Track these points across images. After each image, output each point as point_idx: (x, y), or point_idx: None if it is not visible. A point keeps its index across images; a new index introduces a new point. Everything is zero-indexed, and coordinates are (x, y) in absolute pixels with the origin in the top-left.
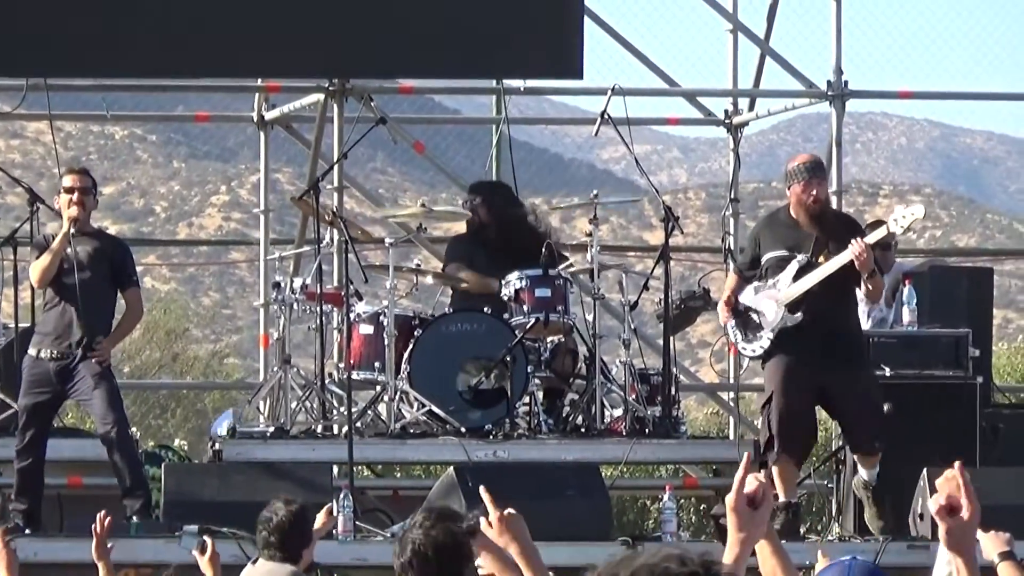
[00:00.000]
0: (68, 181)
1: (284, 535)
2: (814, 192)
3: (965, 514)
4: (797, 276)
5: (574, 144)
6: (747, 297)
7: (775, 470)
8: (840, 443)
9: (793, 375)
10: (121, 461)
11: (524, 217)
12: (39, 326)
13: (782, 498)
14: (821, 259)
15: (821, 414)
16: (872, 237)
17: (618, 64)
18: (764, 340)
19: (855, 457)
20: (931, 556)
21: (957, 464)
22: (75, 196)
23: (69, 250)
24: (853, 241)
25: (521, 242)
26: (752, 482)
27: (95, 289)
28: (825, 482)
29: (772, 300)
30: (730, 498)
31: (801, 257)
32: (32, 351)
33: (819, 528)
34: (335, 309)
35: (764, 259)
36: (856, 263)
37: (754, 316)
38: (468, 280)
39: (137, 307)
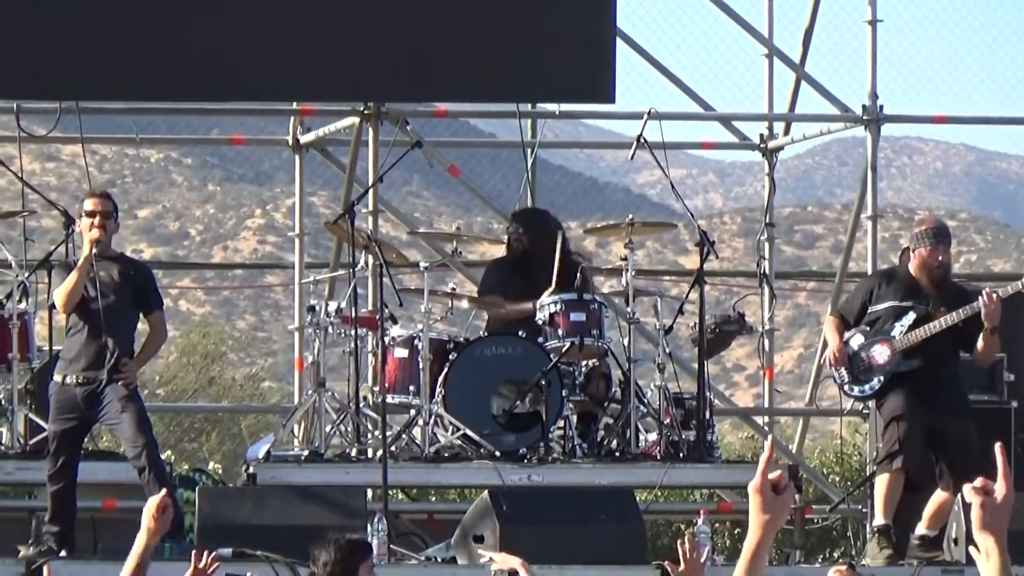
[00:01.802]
0: (89, 205)
1: (335, 565)
2: (940, 257)
3: (999, 495)
4: (913, 326)
5: (609, 168)
6: (854, 342)
7: (884, 481)
8: (874, 468)
9: (912, 405)
10: (152, 484)
11: (566, 248)
12: (63, 352)
13: (879, 520)
14: (937, 313)
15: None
16: (1004, 291)
17: (653, 88)
18: (875, 382)
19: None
20: None
21: (998, 445)
22: (96, 220)
23: (92, 274)
24: (983, 292)
25: (561, 272)
26: (775, 469)
27: (118, 313)
28: (860, 507)
29: (886, 346)
30: (755, 480)
31: (919, 307)
32: (57, 377)
33: (853, 553)
34: (370, 333)
35: (878, 309)
36: (984, 312)
37: (863, 360)
38: (505, 311)
39: (161, 330)
